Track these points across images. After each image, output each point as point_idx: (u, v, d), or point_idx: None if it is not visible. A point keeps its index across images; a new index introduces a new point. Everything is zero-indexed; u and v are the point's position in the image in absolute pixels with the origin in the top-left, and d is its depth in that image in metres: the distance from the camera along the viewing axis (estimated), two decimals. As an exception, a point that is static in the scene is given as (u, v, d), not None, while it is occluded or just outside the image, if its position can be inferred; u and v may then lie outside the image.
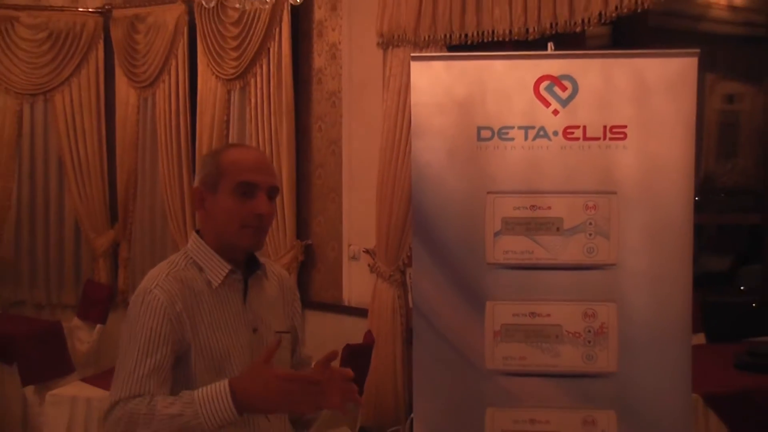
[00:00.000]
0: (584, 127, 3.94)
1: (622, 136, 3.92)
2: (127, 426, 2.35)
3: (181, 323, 2.47)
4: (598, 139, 3.93)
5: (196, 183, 2.62)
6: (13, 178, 8.24)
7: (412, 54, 4.69)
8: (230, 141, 7.04)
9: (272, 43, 6.65)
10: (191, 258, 2.59)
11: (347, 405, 2.52)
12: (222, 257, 2.59)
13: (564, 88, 3.95)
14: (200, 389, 2.36)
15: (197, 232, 2.65)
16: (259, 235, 2.60)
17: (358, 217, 6.31)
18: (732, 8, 7.24)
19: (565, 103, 3.95)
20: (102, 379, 5.38)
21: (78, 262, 8.39)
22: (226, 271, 2.59)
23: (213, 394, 2.32)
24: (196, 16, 7.24)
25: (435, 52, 5.50)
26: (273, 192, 2.62)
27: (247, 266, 2.67)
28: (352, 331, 5.87)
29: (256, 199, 2.56)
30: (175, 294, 2.48)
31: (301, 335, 2.93)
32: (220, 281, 2.58)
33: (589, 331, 3.95)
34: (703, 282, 5.28)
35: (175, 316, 2.46)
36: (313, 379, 2.38)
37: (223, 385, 2.33)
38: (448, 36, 5.52)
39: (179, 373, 2.50)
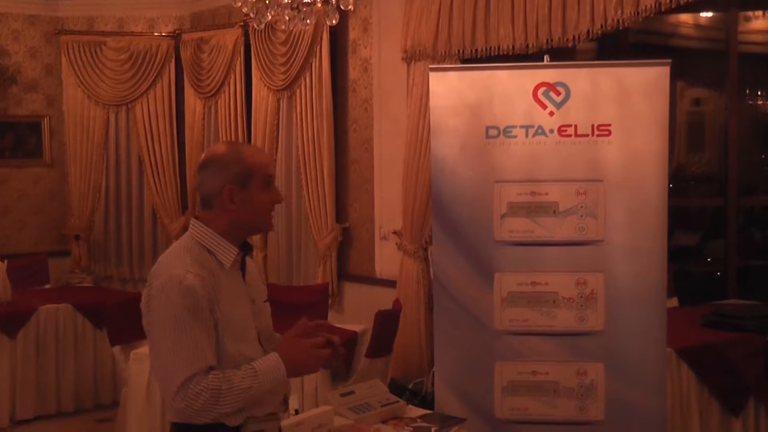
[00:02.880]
0: (575, 126, 3.92)
1: (607, 132, 3.90)
2: (209, 400, 2.26)
3: (211, 302, 2.34)
4: (587, 135, 3.91)
5: (224, 183, 2.42)
6: (101, 174, 8.33)
7: (431, 66, 4.67)
8: (279, 142, 7.04)
9: (314, 59, 6.62)
10: (200, 243, 2.44)
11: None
12: (229, 241, 2.47)
13: (558, 93, 3.93)
14: (257, 362, 2.36)
15: (196, 219, 2.50)
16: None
17: (388, 203, 6.28)
18: (698, 26, 7.18)
19: (559, 105, 3.93)
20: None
21: (155, 243, 8.42)
22: (235, 253, 2.46)
23: (270, 367, 2.35)
24: (251, 38, 7.23)
25: (450, 64, 5.45)
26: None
27: (242, 248, 2.54)
28: (383, 299, 5.84)
29: (275, 188, 2.52)
30: (204, 277, 2.36)
31: None
32: (231, 262, 2.46)
33: (581, 297, 3.93)
34: (675, 254, 5.22)
35: (206, 296, 2.33)
36: (333, 338, 2.46)
37: (275, 358, 2.36)
38: (461, 51, 5.47)
39: None
